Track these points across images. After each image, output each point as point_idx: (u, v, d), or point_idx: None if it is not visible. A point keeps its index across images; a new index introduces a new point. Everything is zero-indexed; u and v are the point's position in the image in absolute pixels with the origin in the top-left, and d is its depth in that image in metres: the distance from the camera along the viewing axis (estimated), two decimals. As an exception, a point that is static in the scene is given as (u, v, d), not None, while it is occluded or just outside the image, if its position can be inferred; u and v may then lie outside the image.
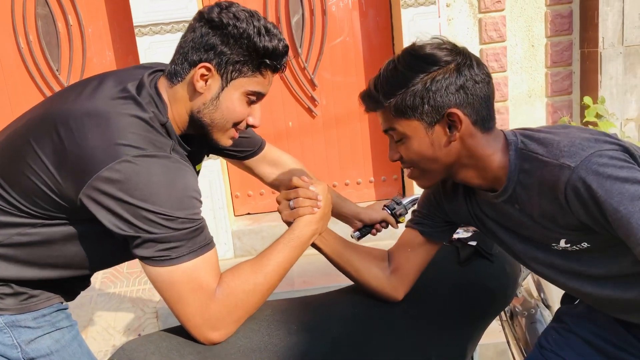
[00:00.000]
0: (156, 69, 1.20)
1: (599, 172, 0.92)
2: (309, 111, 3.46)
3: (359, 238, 1.59)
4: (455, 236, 1.39)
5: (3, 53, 3.31)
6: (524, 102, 3.44)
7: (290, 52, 1.17)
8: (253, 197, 3.55)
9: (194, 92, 1.13)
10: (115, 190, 0.99)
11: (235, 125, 1.18)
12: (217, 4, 1.12)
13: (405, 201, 1.61)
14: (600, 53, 3.21)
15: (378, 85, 1.06)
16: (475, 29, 3.33)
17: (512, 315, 1.68)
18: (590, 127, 3.13)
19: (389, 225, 1.60)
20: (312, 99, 3.43)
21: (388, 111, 1.06)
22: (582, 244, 1.03)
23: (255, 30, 1.09)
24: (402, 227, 1.62)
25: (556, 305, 1.42)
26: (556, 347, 1.22)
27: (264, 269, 1.11)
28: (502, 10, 3.30)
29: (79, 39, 3.32)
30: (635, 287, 1.04)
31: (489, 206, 1.14)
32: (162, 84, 1.16)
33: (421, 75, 1.02)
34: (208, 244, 1.07)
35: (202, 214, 1.08)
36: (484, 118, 1.05)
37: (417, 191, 3.03)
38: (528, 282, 1.68)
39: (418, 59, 1.03)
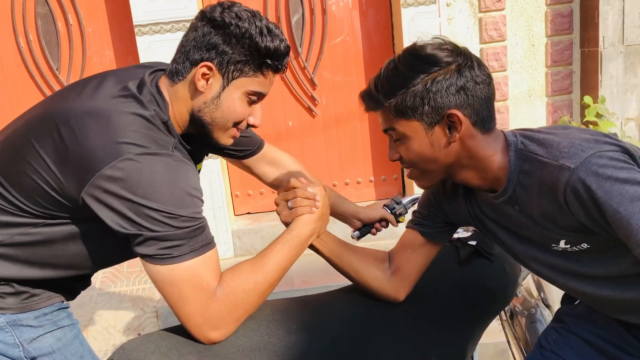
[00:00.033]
0: (157, 68, 1.21)
1: (598, 173, 0.92)
2: (309, 111, 3.46)
3: (358, 237, 1.58)
4: (455, 236, 1.39)
5: (3, 52, 3.31)
6: (524, 101, 3.44)
7: (290, 52, 1.18)
8: (253, 197, 3.55)
9: (195, 91, 1.13)
10: (118, 188, 0.99)
11: (236, 124, 1.18)
12: (220, 4, 1.13)
13: (405, 201, 1.60)
14: (601, 52, 3.21)
15: (378, 85, 1.06)
16: (476, 28, 3.33)
17: (512, 315, 1.68)
18: (591, 126, 3.14)
19: (389, 225, 1.60)
20: (312, 99, 3.43)
21: (388, 111, 1.06)
22: (581, 245, 1.03)
23: (257, 30, 1.10)
24: (402, 226, 1.63)
25: (556, 305, 1.42)
26: (556, 347, 1.22)
27: (263, 268, 1.11)
28: (503, 9, 3.30)
29: (78, 39, 3.32)
30: (635, 288, 1.04)
31: (489, 207, 1.14)
32: (163, 82, 1.16)
33: (422, 75, 1.02)
34: (209, 244, 1.07)
35: (203, 213, 1.08)
36: (484, 119, 1.05)
37: (417, 191, 3.03)
38: (528, 281, 1.68)
39: (419, 60, 1.03)
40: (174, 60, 1.15)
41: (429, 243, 1.27)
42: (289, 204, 1.20)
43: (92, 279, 1.32)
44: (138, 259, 1.07)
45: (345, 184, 3.57)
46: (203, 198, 1.09)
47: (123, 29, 3.31)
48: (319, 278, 2.81)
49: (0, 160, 1.10)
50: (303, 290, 2.72)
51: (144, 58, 3.07)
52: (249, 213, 3.57)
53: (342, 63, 3.42)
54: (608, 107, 3.24)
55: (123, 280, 3.09)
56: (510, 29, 3.34)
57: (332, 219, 1.56)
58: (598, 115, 3.21)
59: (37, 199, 1.06)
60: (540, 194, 1.01)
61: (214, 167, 3.20)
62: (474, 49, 3.30)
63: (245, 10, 1.12)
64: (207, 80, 1.12)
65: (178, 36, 3.13)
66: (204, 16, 1.12)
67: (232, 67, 1.11)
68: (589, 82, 3.33)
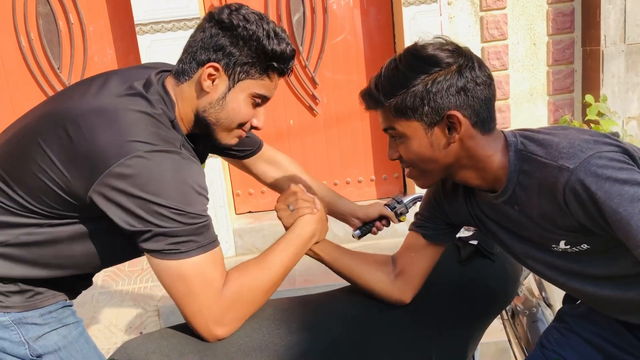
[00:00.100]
0: (163, 69, 1.22)
1: (597, 174, 0.92)
2: (310, 109, 3.46)
3: (359, 237, 1.58)
4: (456, 235, 1.39)
5: (4, 51, 3.32)
6: (525, 100, 3.43)
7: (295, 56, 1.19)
8: (254, 196, 3.55)
9: (200, 91, 1.14)
10: (127, 185, 1.00)
11: (240, 126, 1.20)
12: (227, 6, 1.14)
13: (406, 200, 1.60)
14: (602, 51, 3.20)
15: (379, 84, 1.06)
16: (477, 27, 3.33)
17: (514, 314, 1.68)
18: (592, 125, 3.14)
19: (390, 224, 1.60)
20: (313, 97, 3.43)
21: (388, 111, 1.06)
22: (581, 246, 1.03)
23: (265, 33, 1.11)
24: (404, 224, 1.62)
25: (557, 304, 1.42)
26: (557, 347, 1.22)
27: (268, 266, 1.13)
28: (504, 8, 3.29)
29: (80, 37, 3.32)
30: (635, 288, 1.04)
31: (489, 207, 1.14)
32: (170, 82, 1.17)
33: (422, 76, 1.01)
34: (214, 241, 1.08)
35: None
36: (484, 120, 1.05)
37: (418, 190, 3.03)
38: (529, 280, 1.68)
39: (419, 60, 1.03)
40: (181, 61, 1.16)
41: (431, 245, 1.27)
42: (290, 207, 1.24)
43: (94, 277, 1.32)
44: (139, 258, 1.07)
45: (346, 182, 3.57)
46: (208, 196, 1.10)
47: (124, 28, 3.31)
48: (320, 277, 2.81)
49: (5, 160, 1.11)
50: (305, 289, 2.72)
51: (145, 57, 3.07)
52: (250, 212, 3.58)
53: (343, 62, 3.41)
54: (610, 106, 3.24)
55: (124, 279, 3.10)
56: (512, 28, 3.33)
57: (332, 218, 1.56)
58: (599, 114, 3.21)
59: (43, 198, 1.06)
60: (539, 194, 1.01)
61: (215, 166, 3.20)
62: (475, 47, 3.30)
63: (253, 13, 1.13)
64: (213, 80, 1.13)
65: (179, 35, 3.17)
66: (212, 17, 1.13)
67: (239, 69, 1.12)
68: (591, 81, 3.33)
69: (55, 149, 1.04)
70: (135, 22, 3.05)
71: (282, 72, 1.17)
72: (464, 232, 1.40)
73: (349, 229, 1.64)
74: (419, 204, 1.40)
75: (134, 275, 3.13)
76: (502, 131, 1.10)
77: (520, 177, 1.04)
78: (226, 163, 3.33)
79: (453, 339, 1.32)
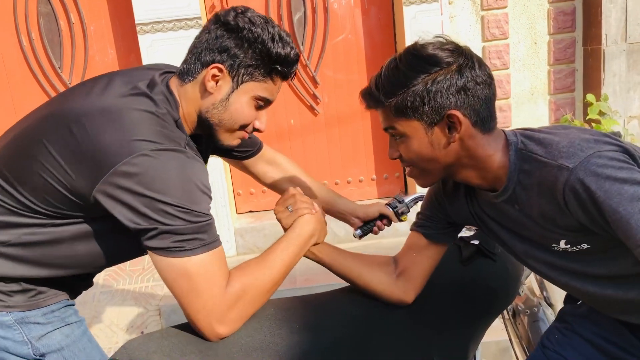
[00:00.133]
0: (166, 70, 1.22)
1: (597, 173, 0.92)
2: (311, 109, 3.46)
3: (360, 236, 1.58)
4: (458, 234, 1.39)
5: (5, 51, 3.32)
6: (526, 99, 3.43)
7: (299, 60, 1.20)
8: (255, 195, 3.55)
9: (204, 92, 1.15)
10: (132, 183, 1.00)
11: (243, 127, 1.20)
12: (233, 8, 1.15)
13: (407, 199, 1.60)
14: (604, 50, 3.20)
15: (379, 84, 1.06)
16: (478, 27, 3.32)
17: (515, 314, 1.68)
18: (593, 124, 3.13)
19: (392, 223, 1.60)
20: (314, 97, 3.43)
21: (388, 110, 1.06)
22: (581, 245, 1.03)
23: (270, 36, 1.12)
24: (405, 223, 1.62)
25: (559, 303, 1.42)
26: (559, 347, 1.22)
27: (270, 266, 1.14)
28: (505, 7, 3.29)
29: (81, 37, 3.32)
30: (636, 288, 1.04)
31: (490, 206, 1.14)
32: (174, 83, 1.18)
33: (422, 75, 1.02)
34: (217, 240, 1.09)
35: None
36: (484, 119, 1.05)
37: (419, 189, 3.03)
38: (531, 280, 1.68)
39: (420, 59, 1.03)
40: (185, 61, 1.17)
41: (433, 244, 1.27)
42: (289, 208, 1.25)
43: (95, 277, 1.32)
44: (140, 257, 1.07)
45: (347, 182, 3.56)
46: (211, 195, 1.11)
47: (125, 27, 3.31)
48: (321, 276, 2.80)
49: (8, 160, 1.11)
50: (306, 289, 2.72)
51: (145, 56, 3.07)
52: (251, 211, 3.58)
53: (344, 61, 3.41)
54: (611, 105, 3.24)
55: (126, 279, 3.10)
56: (513, 27, 3.33)
57: (332, 218, 1.56)
58: (601, 114, 3.20)
59: (47, 198, 1.06)
60: (539, 193, 1.01)
61: (216, 166, 3.20)
62: (476, 47, 3.30)
63: (259, 16, 1.14)
64: (217, 81, 1.14)
65: (180, 35, 3.17)
66: (217, 19, 1.14)
67: (243, 71, 1.13)
68: (592, 80, 3.32)
69: (59, 148, 1.04)
70: (136, 22, 3.05)
71: (286, 76, 1.18)
72: (465, 232, 1.40)
73: (350, 229, 1.64)
74: (420, 203, 1.40)
75: (135, 274, 3.13)
76: (503, 130, 1.10)
77: (520, 176, 1.04)
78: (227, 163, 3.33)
79: (454, 338, 1.32)
